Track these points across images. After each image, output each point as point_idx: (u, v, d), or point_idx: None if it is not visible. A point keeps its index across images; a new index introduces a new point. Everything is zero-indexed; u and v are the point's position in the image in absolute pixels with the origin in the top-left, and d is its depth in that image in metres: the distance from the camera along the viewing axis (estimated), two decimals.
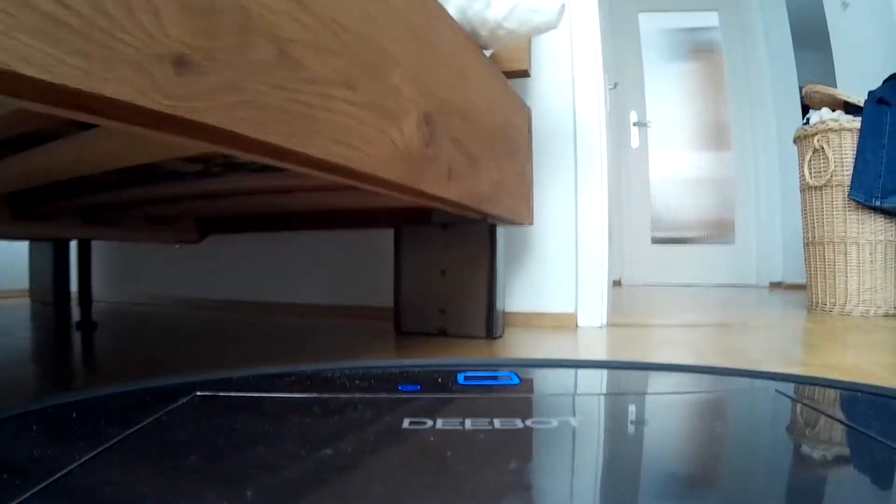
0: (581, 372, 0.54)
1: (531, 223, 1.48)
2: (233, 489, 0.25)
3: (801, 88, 3.78)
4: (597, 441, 0.31)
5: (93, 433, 0.32)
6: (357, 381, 0.45)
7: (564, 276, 1.59)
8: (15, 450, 0.30)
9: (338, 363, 0.53)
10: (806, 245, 2.08)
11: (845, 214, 1.88)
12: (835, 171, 1.89)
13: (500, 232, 1.35)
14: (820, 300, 1.98)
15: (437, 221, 1.36)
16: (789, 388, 0.41)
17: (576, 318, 1.56)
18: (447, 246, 1.37)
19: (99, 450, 0.27)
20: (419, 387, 0.43)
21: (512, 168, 1.28)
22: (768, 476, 0.26)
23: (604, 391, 0.47)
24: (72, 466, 0.25)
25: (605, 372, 0.55)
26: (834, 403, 0.39)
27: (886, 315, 1.83)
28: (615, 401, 0.42)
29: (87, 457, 0.26)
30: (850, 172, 1.86)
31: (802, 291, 3.34)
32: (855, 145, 1.85)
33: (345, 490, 0.25)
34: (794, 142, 2.14)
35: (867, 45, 2.36)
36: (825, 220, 1.94)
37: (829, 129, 1.90)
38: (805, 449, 0.31)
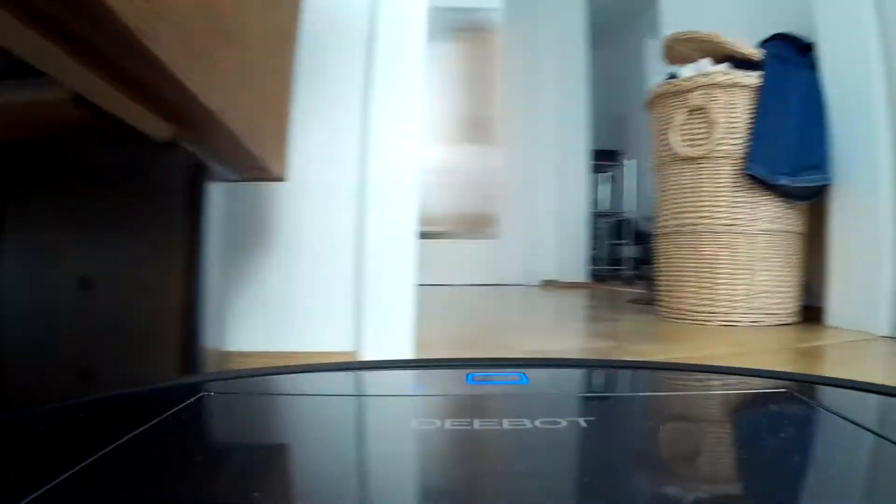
0: (590, 372, 0.50)
1: (281, 176, 0.72)
2: (240, 489, 0.24)
3: (595, 82, 3.64)
4: (606, 441, 0.29)
5: (100, 433, 0.30)
6: (366, 381, 0.45)
7: (337, 289, 0.90)
8: (21, 450, 0.28)
9: (344, 363, 0.51)
10: (665, 235, 1.62)
11: (733, 195, 1.45)
12: (722, 137, 1.44)
13: (217, 195, 0.63)
14: (688, 307, 1.52)
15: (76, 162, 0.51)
16: (799, 387, 0.38)
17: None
18: (93, 223, 0.56)
19: (107, 450, 0.26)
20: (427, 386, 0.42)
21: (265, 35, 0.59)
22: (784, 475, 0.24)
23: (613, 391, 0.45)
24: (79, 466, 0.24)
25: (615, 372, 0.50)
26: (847, 404, 0.35)
27: (781, 325, 1.43)
28: (625, 401, 0.40)
29: (94, 457, 0.25)
30: (743, 141, 1.42)
31: (580, 290, 3.14)
32: (750, 107, 1.43)
33: (353, 491, 0.25)
34: (648, 104, 1.68)
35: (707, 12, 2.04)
36: (702, 203, 1.49)
37: (716, 83, 1.45)
38: (819, 450, 0.29)
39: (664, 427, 0.33)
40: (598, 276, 3.51)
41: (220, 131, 0.50)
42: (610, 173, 3.88)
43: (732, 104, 1.44)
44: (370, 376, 0.46)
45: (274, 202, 0.89)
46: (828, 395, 0.38)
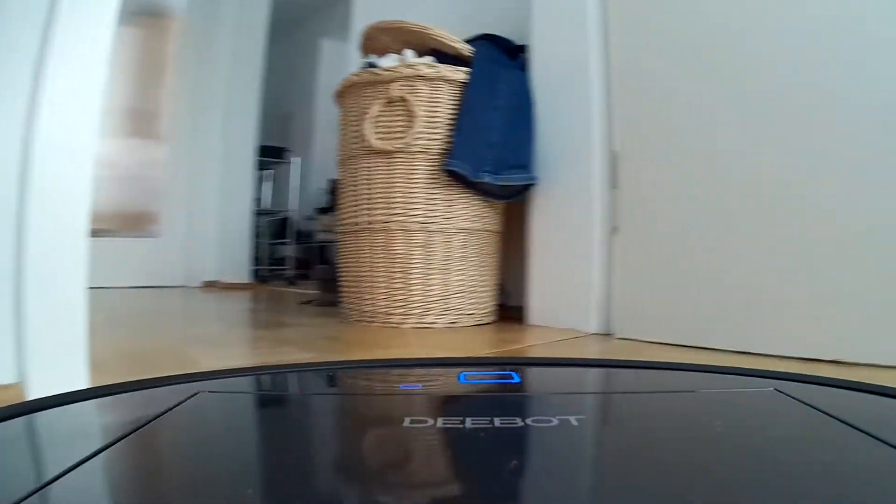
0: (581, 370, 0.50)
1: None
2: (235, 487, 0.23)
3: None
4: (597, 440, 0.30)
5: (94, 432, 0.32)
6: (359, 380, 0.46)
7: None
8: (15, 450, 0.28)
9: (340, 362, 0.52)
10: (352, 233, 1.50)
11: (429, 192, 1.39)
12: (421, 131, 1.38)
13: None
14: (380, 309, 1.41)
15: None
16: (789, 386, 0.38)
17: (23, 395, 0.68)
18: None
19: (99, 448, 0.26)
20: (420, 385, 0.42)
21: None
22: (771, 475, 0.24)
23: (602, 390, 0.45)
24: (71, 465, 0.23)
25: (603, 370, 0.51)
26: (836, 403, 0.36)
27: (479, 325, 1.42)
28: (614, 399, 0.40)
29: (86, 455, 0.24)
30: (444, 136, 1.39)
31: (243, 292, 2.84)
32: (454, 103, 1.40)
33: (345, 489, 0.24)
34: (338, 95, 1.55)
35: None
36: (395, 199, 1.40)
37: (420, 75, 1.39)
38: (805, 449, 0.29)
39: (654, 425, 0.33)
40: (259, 277, 3.26)
41: None
42: (272, 171, 3.66)
43: (435, 98, 1.40)
44: (364, 375, 0.46)
45: None
46: (813, 393, 0.37)
